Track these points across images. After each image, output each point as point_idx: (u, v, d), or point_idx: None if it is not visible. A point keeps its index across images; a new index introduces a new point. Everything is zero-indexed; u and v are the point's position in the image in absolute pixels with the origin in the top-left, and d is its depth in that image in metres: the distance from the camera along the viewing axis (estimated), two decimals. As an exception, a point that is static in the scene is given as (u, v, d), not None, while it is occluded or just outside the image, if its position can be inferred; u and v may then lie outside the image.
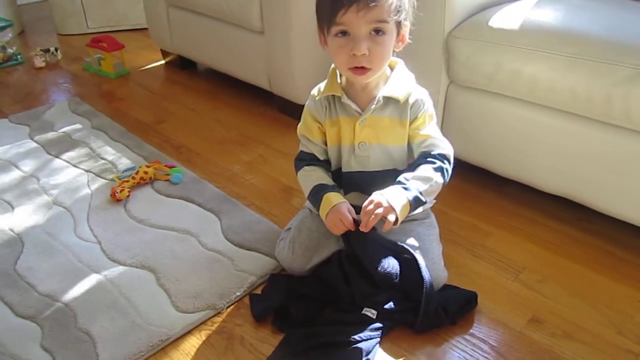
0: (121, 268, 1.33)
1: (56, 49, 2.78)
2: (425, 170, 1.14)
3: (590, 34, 1.29)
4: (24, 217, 1.54)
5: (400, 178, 1.14)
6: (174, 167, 1.73)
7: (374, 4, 1.00)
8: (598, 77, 1.22)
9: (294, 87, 1.94)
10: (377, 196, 1.09)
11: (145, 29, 2.81)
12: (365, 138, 1.17)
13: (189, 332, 1.17)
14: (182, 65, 2.59)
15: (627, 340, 1.12)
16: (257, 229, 1.44)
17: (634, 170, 1.25)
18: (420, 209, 1.16)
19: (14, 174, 1.75)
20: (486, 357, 1.09)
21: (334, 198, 1.16)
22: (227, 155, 1.84)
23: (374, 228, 1.11)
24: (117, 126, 2.04)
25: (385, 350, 1.11)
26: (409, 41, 1.15)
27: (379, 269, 1.13)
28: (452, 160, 1.18)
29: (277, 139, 1.90)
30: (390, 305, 1.13)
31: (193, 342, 1.15)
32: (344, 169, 1.23)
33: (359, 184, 1.22)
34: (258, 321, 1.18)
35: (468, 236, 1.43)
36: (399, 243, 1.17)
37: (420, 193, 1.12)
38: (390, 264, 1.14)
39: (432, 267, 1.16)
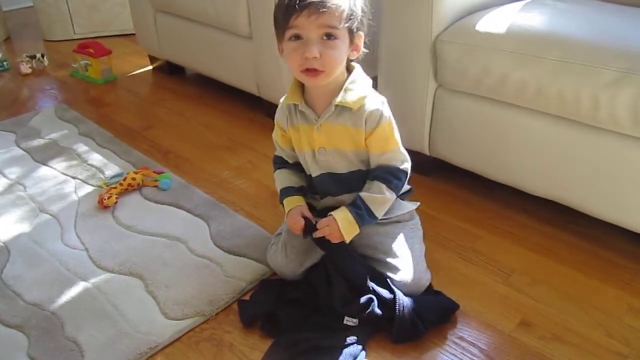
0: (109, 275, 1.32)
1: (42, 55, 2.76)
2: (381, 189, 1.17)
3: (577, 37, 1.29)
4: (10, 224, 1.52)
5: (358, 201, 1.17)
6: (162, 173, 1.72)
7: (324, 9, 1.04)
8: (585, 80, 1.22)
9: (283, 92, 1.92)
10: (332, 223, 1.16)
11: (133, 34, 2.80)
12: (323, 143, 1.19)
13: (177, 340, 1.16)
14: (170, 70, 2.58)
15: (616, 343, 1.12)
16: (246, 234, 1.44)
17: (622, 173, 1.26)
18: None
19: (0, 182, 1.74)
20: (476, 361, 1.09)
21: (289, 204, 1.24)
22: (216, 161, 1.83)
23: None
24: (105, 132, 2.03)
25: (373, 354, 1.11)
26: (365, 50, 1.17)
27: (352, 276, 1.16)
28: (408, 173, 1.22)
29: (265, 145, 1.90)
30: (370, 309, 1.12)
31: (182, 350, 1.14)
32: (312, 174, 1.25)
33: (328, 187, 1.25)
34: (247, 327, 1.17)
35: (458, 240, 1.43)
36: (367, 264, 1.20)
37: (372, 216, 1.18)
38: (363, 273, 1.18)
39: (414, 269, 1.19)
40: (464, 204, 1.57)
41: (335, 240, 1.17)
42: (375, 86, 1.64)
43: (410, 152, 1.64)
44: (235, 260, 1.35)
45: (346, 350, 1.07)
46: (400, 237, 1.23)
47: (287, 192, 1.27)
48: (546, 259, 1.36)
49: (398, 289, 1.15)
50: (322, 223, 1.18)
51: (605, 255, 1.36)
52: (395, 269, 1.18)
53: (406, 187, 1.30)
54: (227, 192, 1.65)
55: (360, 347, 1.09)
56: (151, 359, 1.12)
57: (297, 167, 1.30)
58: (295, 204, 1.23)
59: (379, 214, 1.19)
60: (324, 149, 1.19)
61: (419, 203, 1.32)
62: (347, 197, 1.23)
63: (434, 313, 1.15)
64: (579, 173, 1.32)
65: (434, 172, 1.69)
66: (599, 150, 1.27)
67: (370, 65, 1.71)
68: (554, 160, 1.36)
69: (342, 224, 1.16)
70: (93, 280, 1.30)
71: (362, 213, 1.17)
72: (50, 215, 1.56)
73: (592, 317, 1.19)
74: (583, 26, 1.36)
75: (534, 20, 1.40)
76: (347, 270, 1.17)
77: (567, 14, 1.44)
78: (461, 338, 1.14)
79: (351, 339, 1.09)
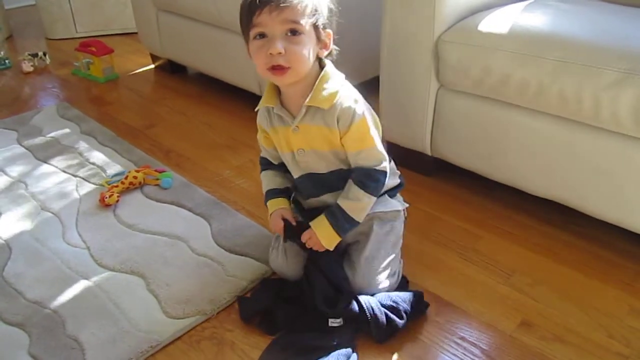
0: (110, 274, 1.32)
1: (44, 54, 2.76)
2: (358, 196, 1.16)
3: (579, 38, 1.29)
4: (12, 222, 1.53)
5: (336, 210, 1.17)
6: (163, 171, 1.72)
7: (285, 4, 1.03)
8: (587, 81, 1.22)
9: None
10: (313, 236, 1.18)
11: (135, 33, 2.81)
12: (301, 145, 1.18)
13: (178, 338, 1.16)
14: (171, 69, 2.58)
15: (617, 343, 1.12)
16: (247, 233, 1.44)
17: (623, 173, 1.26)
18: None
19: (2, 180, 1.74)
20: (477, 361, 1.09)
21: (271, 206, 1.26)
22: (217, 160, 1.83)
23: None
24: (106, 131, 2.03)
25: (373, 354, 1.11)
26: (336, 48, 1.16)
27: (334, 278, 1.19)
28: (387, 172, 1.17)
29: (267, 144, 1.90)
30: (351, 307, 1.13)
31: (183, 348, 1.14)
32: (294, 176, 1.25)
33: (310, 187, 1.24)
34: (245, 323, 1.18)
35: (458, 240, 1.43)
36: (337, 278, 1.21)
37: (352, 222, 1.17)
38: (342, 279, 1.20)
39: (368, 274, 1.19)
40: (465, 204, 1.57)
41: (319, 249, 1.19)
42: (376, 86, 1.66)
43: (411, 152, 1.67)
44: (236, 259, 1.35)
45: (340, 351, 1.08)
46: (372, 237, 1.21)
47: (271, 194, 1.27)
48: (547, 260, 1.36)
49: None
50: (304, 236, 1.19)
51: (606, 255, 1.36)
52: (352, 268, 1.20)
53: (396, 180, 1.28)
54: (229, 191, 1.66)
55: (353, 346, 1.10)
56: (152, 358, 1.12)
57: (282, 168, 1.29)
58: (277, 207, 1.24)
59: (360, 218, 1.18)
60: (303, 150, 1.18)
61: (407, 205, 1.31)
62: (329, 197, 1.22)
63: (406, 304, 1.16)
64: (579, 173, 1.32)
65: (436, 172, 1.70)
66: (600, 151, 1.27)
67: (372, 65, 1.71)
68: (554, 161, 1.36)
69: (322, 236, 1.17)
70: (94, 278, 1.30)
71: (340, 223, 1.16)
72: (52, 213, 1.56)
73: (593, 317, 1.19)
74: (585, 27, 1.36)
75: (536, 20, 1.40)
76: (330, 273, 1.19)
77: (569, 15, 1.44)
78: (462, 338, 1.14)
79: (343, 338, 1.10)
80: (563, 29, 1.35)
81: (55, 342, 1.13)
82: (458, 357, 1.10)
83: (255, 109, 1.23)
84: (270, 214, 1.25)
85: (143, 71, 2.67)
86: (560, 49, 1.27)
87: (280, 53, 1.04)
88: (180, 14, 2.27)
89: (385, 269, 1.21)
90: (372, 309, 1.13)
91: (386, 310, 1.13)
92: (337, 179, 1.20)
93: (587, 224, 1.43)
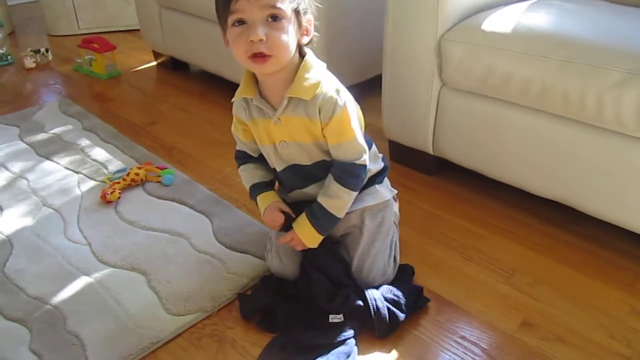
0: (111, 270, 1.32)
1: (47, 50, 2.76)
2: (337, 193, 1.14)
3: (583, 38, 1.29)
4: (13, 218, 1.53)
5: (316, 208, 1.15)
6: (165, 168, 1.72)
7: None
8: (590, 81, 1.22)
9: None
10: (295, 236, 1.18)
11: (137, 30, 2.81)
12: (283, 137, 1.14)
13: (179, 335, 1.16)
14: (174, 66, 2.58)
15: (618, 344, 1.12)
16: (248, 231, 1.44)
17: (625, 174, 1.25)
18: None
19: (3, 175, 1.74)
20: (478, 360, 1.09)
21: (264, 201, 1.22)
22: (219, 157, 1.83)
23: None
24: (108, 127, 2.03)
25: (374, 352, 1.11)
26: (316, 34, 1.12)
27: (330, 271, 1.20)
28: (367, 165, 1.15)
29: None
30: (351, 301, 1.14)
31: (184, 345, 1.14)
32: (277, 169, 1.21)
33: (294, 179, 1.21)
34: (245, 320, 1.18)
35: (460, 239, 1.43)
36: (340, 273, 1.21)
37: (333, 219, 1.16)
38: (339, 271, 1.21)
39: (366, 269, 1.21)
40: (466, 203, 1.57)
41: (301, 249, 1.19)
42: (379, 85, 1.66)
43: (413, 150, 1.66)
44: (237, 256, 1.35)
45: (340, 349, 1.08)
46: (365, 232, 1.21)
47: (258, 188, 1.23)
48: (548, 259, 1.35)
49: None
50: (286, 237, 1.19)
51: (607, 256, 1.36)
52: (349, 264, 1.22)
53: (379, 164, 1.25)
54: (230, 189, 1.66)
55: (353, 345, 1.10)
56: (153, 354, 1.12)
57: (262, 160, 1.25)
58: (271, 201, 1.21)
59: (341, 215, 1.16)
60: (285, 142, 1.14)
61: (396, 191, 1.30)
62: (313, 189, 1.20)
63: (409, 299, 1.18)
64: (582, 173, 1.32)
65: (437, 171, 1.69)
66: (603, 151, 1.27)
67: (374, 64, 1.71)
68: (557, 160, 1.35)
69: (303, 236, 1.17)
70: (95, 275, 1.31)
71: (321, 222, 1.15)
72: (53, 209, 1.56)
73: (594, 318, 1.18)
74: (589, 27, 1.36)
75: (540, 20, 1.40)
76: (327, 268, 1.19)
77: (573, 15, 1.44)
78: (463, 337, 1.14)
79: (343, 336, 1.10)
80: (567, 28, 1.35)
81: (56, 338, 1.14)
82: (459, 356, 1.10)
83: (232, 100, 1.18)
84: (265, 209, 1.20)
85: (145, 68, 2.67)
86: (564, 48, 1.27)
87: (261, 40, 1.00)
88: (182, 10, 2.27)
89: (382, 259, 1.22)
90: (376, 302, 1.13)
91: (388, 304, 1.14)
92: (321, 170, 1.17)
93: (589, 224, 1.43)
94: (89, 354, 1.09)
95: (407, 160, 1.74)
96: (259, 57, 1.02)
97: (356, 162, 1.12)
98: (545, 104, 1.32)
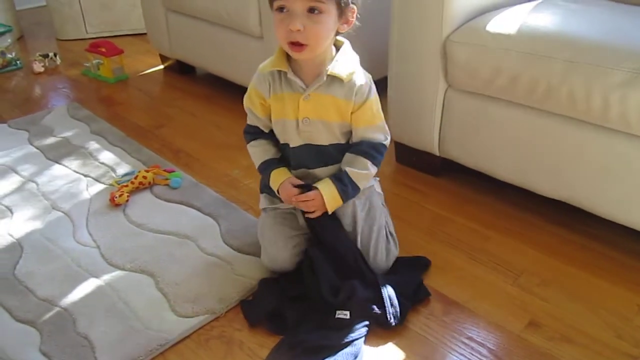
0: (120, 272, 1.33)
1: (55, 54, 2.78)
2: (365, 165, 1.21)
3: (588, 38, 1.29)
4: (23, 221, 1.54)
5: (344, 176, 1.21)
6: (173, 171, 1.73)
7: None
8: (596, 81, 1.22)
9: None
10: (318, 197, 1.20)
11: (144, 34, 2.82)
12: (308, 113, 1.19)
13: (187, 337, 1.17)
14: (180, 70, 2.60)
15: (626, 344, 1.12)
16: (255, 233, 1.44)
17: (632, 174, 1.25)
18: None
19: (13, 179, 1.76)
20: (485, 361, 1.09)
21: (279, 176, 1.25)
22: (226, 160, 1.84)
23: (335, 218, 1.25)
24: (116, 131, 2.04)
25: (380, 353, 1.11)
26: (357, 24, 1.17)
27: (343, 249, 1.23)
28: (387, 147, 1.26)
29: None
30: (357, 293, 1.16)
31: (192, 347, 1.14)
32: (290, 144, 1.25)
33: (305, 158, 1.25)
34: (253, 326, 1.18)
35: (467, 240, 1.43)
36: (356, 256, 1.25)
37: (357, 190, 1.22)
38: (350, 249, 1.24)
39: (370, 255, 1.25)
40: (473, 205, 1.57)
41: (318, 212, 1.21)
42: (384, 87, 1.66)
43: (419, 152, 1.67)
44: (244, 258, 1.36)
45: (347, 350, 1.09)
46: (358, 222, 1.25)
47: (271, 164, 1.27)
48: (555, 260, 1.35)
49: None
50: (306, 196, 1.20)
51: (614, 256, 1.36)
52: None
53: None
54: (237, 191, 1.66)
55: (360, 346, 1.11)
56: (161, 356, 1.13)
57: (272, 137, 1.30)
58: (285, 177, 1.25)
59: (363, 187, 1.23)
60: (308, 119, 1.20)
61: (378, 178, 1.34)
62: (321, 171, 1.25)
63: (410, 288, 1.22)
64: (588, 174, 1.32)
65: (444, 173, 1.70)
66: (609, 151, 1.27)
67: (380, 65, 1.71)
68: (563, 161, 1.35)
69: (328, 196, 1.20)
70: (104, 277, 1.32)
71: (347, 190, 1.20)
72: (63, 212, 1.57)
73: (602, 318, 1.18)
74: (594, 27, 1.36)
75: (545, 20, 1.40)
76: (339, 244, 1.22)
77: (578, 15, 1.44)
78: (470, 338, 1.14)
79: (351, 337, 1.11)
80: (572, 29, 1.35)
81: (65, 340, 1.15)
82: (465, 357, 1.10)
83: (258, 70, 1.22)
84: (281, 184, 1.24)
85: (152, 72, 2.69)
86: (570, 49, 1.27)
87: (299, 30, 1.06)
88: (189, 14, 2.28)
89: (382, 241, 1.26)
90: (386, 286, 1.17)
91: (395, 292, 1.18)
92: (336, 152, 1.24)
93: (596, 225, 1.43)
94: (98, 356, 1.10)
95: (413, 162, 1.74)
96: (296, 44, 1.09)
97: (383, 142, 1.24)
98: (551, 104, 1.32)
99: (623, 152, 1.25)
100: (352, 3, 1.12)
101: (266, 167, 1.28)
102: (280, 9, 1.08)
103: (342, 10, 1.11)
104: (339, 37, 1.20)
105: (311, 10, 1.07)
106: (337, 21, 1.12)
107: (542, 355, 1.10)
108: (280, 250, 1.25)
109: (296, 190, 1.22)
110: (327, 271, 1.20)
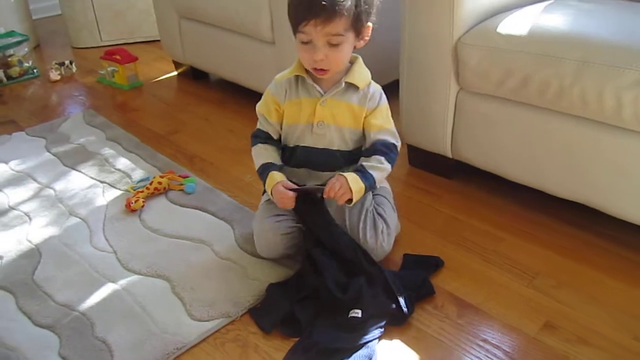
0: (137, 277, 1.35)
1: (71, 62, 2.82)
2: (380, 160, 1.28)
3: (600, 38, 1.29)
4: (41, 227, 1.56)
5: (362, 167, 1.28)
6: (187, 177, 1.75)
7: (329, 21, 1.15)
8: (608, 81, 1.22)
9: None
10: (343, 181, 1.24)
11: (158, 41, 2.85)
12: (324, 118, 1.29)
13: (203, 340, 1.18)
14: (194, 76, 2.62)
15: (643, 345, 1.11)
16: (270, 237, 1.45)
17: (647, 174, 1.24)
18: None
19: (31, 186, 1.78)
20: (500, 363, 1.09)
21: (276, 177, 1.30)
22: (240, 165, 1.85)
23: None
24: (131, 137, 2.07)
25: (395, 356, 1.11)
26: (372, 35, 1.27)
27: (340, 245, 1.26)
28: (398, 151, 1.33)
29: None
30: (365, 294, 1.18)
31: (208, 350, 1.16)
32: (300, 144, 1.33)
33: (312, 159, 1.33)
34: (268, 333, 1.18)
35: (481, 242, 1.43)
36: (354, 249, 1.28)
37: (375, 182, 1.28)
38: (345, 243, 1.28)
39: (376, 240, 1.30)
40: (486, 206, 1.56)
41: (343, 198, 1.23)
42: (396, 90, 1.67)
43: (432, 154, 1.67)
44: (259, 262, 1.37)
45: (361, 352, 1.09)
46: (347, 215, 1.31)
47: (270, 167, 1.32)
48: (571, 261, 1.35)
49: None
50: (331, 182, 1.24)
51: (630, 257, 1.35)
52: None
53: None
54: (251, 196, 1.67)
55: (374, 348, 1.11)
56: (178, 359, 1.14)
57: (278, 144, 1.38)
58: (280, 179, 1.29)
59: (379, 183, 1.32)
60: (323, 123, 1.29)
61: None
62: (323, 174, 1.33)
63: (415, 283, 1.25)
64: (602, 174, 1.31)
65: (457, 175, 1.69)
66: (623, 151, 1.26)
67: (391, 68, 1.72)
68: (577, 161, 1.35)
69: (354, 184, 1.24)
70: (121, 281, 1.33)
71: (370, 181, 1.26)
72: (80, 218, 1.60)
73: (618, 319, 1.17)
74: (605, 26, 1.35)
75: (556, 21, 1.40)
76: (336, 240, 1.26)
77: (590, 15, 1.43)
78: (485, 340, 1.14)
79: (365, 339, 1.11)
80: (583, 29, 1.34)
81: (84, 344, 1.16)
82: (481, 359, 1.10)
83: (276, 79, 1.32)
84: (276, 183, 1.28)
85: (166, 78, 2.72)
86: (581, 49, 1.27)
87: (322, 60, 1.19)
88: (202, 21, 2.30)
89: (368, 222, 1.30)
90: (393, 276, 1.22)
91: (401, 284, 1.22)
92: (342, 158, 1.32)
93: (611, 225, 1.42)
94: (116, 359, 1.12)
95: (426, 164, 1.74)
96: (319, 70, 1.22)
97: (395, 142, 1.32)
98: (564, 105, 1.31)
99: (637, 151, 1.24)
100: (368, 22, 1.22)
101: (265, 168, 1.32)
102: (304, 42, 1.19)
103: (359, 30, 1.21)
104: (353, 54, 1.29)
105: (331, 42, 1.18)
106: (355, 40, 1.23)
107: (559, 357, 1.10)
108: (267, 231, 1.31)
109: (292, 193, 1.26)
110: (331, 269, 1.22)
